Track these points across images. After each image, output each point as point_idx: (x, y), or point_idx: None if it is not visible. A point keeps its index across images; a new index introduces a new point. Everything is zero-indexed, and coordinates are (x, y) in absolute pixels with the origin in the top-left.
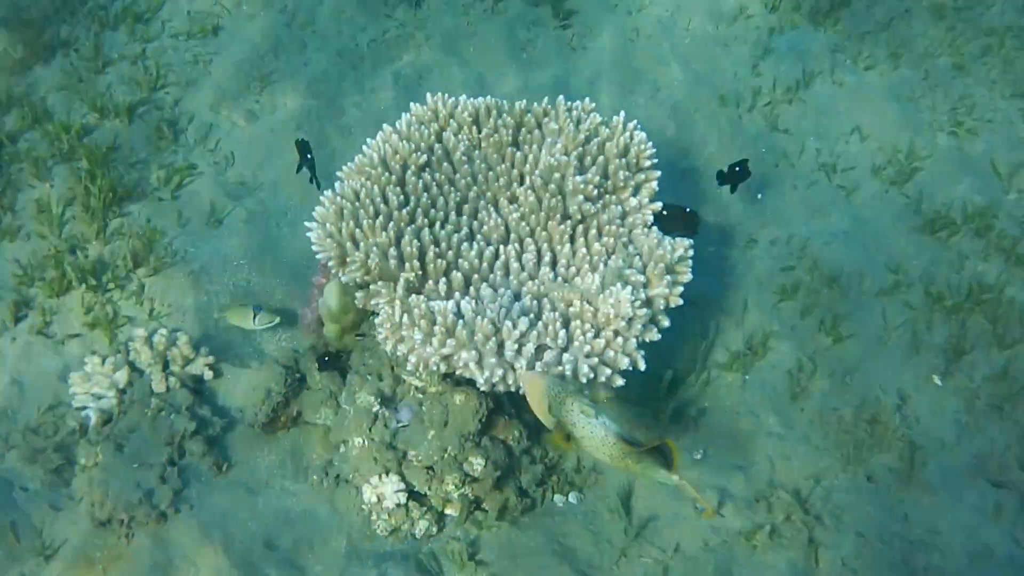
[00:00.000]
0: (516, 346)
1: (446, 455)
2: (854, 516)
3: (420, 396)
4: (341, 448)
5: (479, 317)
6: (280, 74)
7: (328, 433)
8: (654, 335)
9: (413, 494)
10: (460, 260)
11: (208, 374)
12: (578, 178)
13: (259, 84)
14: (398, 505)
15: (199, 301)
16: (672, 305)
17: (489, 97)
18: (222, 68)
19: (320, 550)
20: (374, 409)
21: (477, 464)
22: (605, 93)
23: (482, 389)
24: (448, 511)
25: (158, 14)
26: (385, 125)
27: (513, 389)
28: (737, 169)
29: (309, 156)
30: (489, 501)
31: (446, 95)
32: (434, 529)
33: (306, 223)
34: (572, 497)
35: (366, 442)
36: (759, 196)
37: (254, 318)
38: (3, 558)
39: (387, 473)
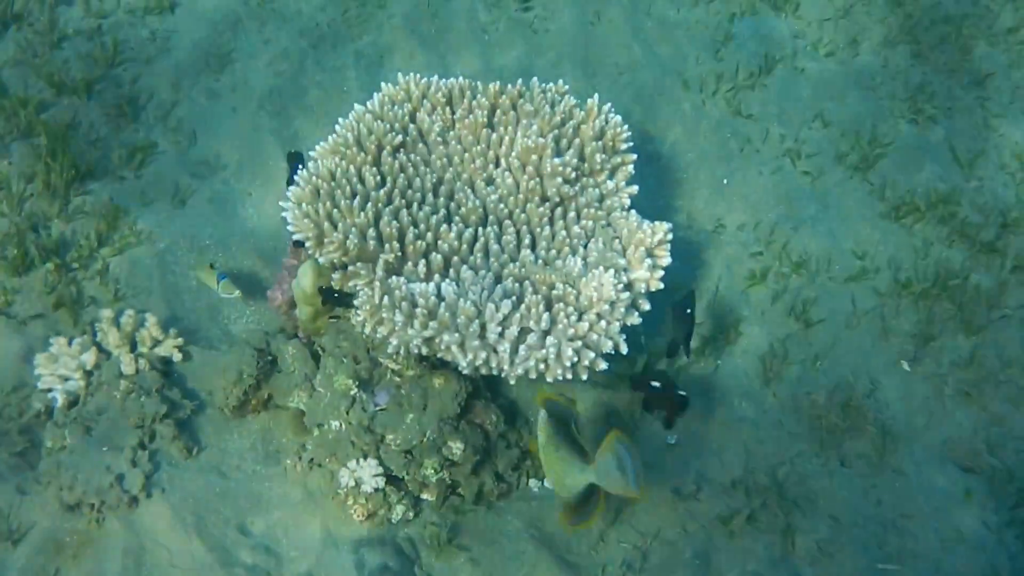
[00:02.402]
0: (499, 329)
1: (425, 439)
2: (828, 501)
3: (398, 379)
4: (315, 432)
5: (461, 299)
6: (240, 52)
7: (300, 416)
8: (635, 319)
9: (390, 478)
10: (439, 242)
11: (177, 356)
12: (556, 160)
13: (219, 62)
14: (376, 490)
15: (165, 282)
16: (653, 289)
17: (462, 78)
18: (181, 45)
19: (295, 535)
20: (352, 392)
21: (456, 448)
22: (568, 76)
23: (465, 372)
24: (424, 496)
25: None
26: (357, 105)
27: (496, 372)
28: None
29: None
30: (466, 486)
31: (418, 75)
32: (411, 514)
33: (280, 203)
34: (547, 482)
35: (344, 426)
36: (725, 182)
37: (218, 283)
38: None
39: (365, 457)
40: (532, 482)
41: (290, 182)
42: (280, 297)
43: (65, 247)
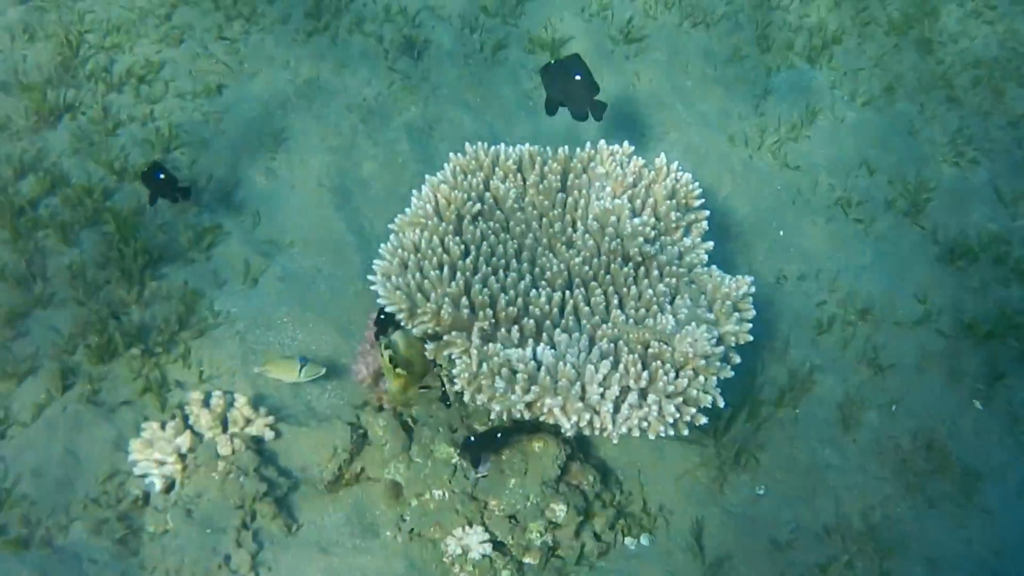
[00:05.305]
0: (600, 389)
1: (528, 503)
2: (921, 543)
3: None
4: (414, 502)
5: (560, 362)
6: (292, 130)
7: (394, 488)
8: (728, 372)
9: (494, 544)
10: (530, 307)
11: (269, 435)
12: (636, 220)
13: (273, 141)
14: (483, 556)
15: (248, 361)
16: (742, 342)
17: (528, 144)
18: (234, 126)
19: None
20: (453, 460)
21: (559, 510)
22: (615, 137)
23: (568, 435)
24: (527, 559)
25: (160, 74)
26: (429, 176)
27: (598, 433)
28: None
29: (162, 176)
30: (568, 547)
31: (485, 144)
32: None
33: (369, 277)
34: (644, 539)
35: (447, 494)
36: (781, 233)
37: (300, 370)
38: None
39: (471, 524)
40: (628, 540)
41: (153, 201)
42: (364, 371)
43: (146, 332)
